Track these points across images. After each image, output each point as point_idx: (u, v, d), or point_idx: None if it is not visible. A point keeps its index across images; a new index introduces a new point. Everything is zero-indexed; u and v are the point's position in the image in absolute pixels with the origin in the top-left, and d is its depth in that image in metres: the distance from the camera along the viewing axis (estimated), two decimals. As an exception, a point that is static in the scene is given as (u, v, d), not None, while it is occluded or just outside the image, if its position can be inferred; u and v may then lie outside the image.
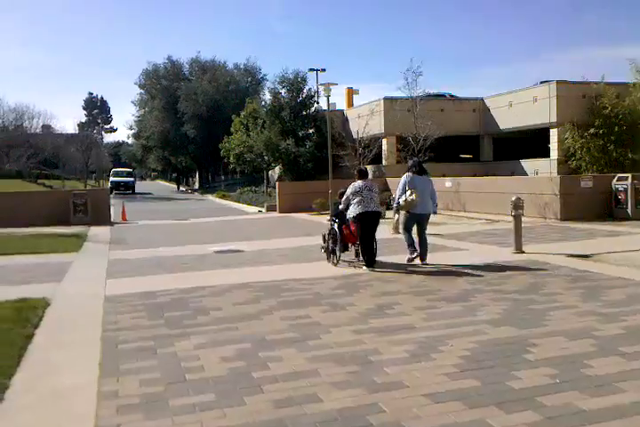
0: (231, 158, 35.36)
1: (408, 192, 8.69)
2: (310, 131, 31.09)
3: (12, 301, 6.62)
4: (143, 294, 7.18)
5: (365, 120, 30.04)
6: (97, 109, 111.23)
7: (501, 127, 28.91)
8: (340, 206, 9.15)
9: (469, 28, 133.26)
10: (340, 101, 65.36)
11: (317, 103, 31.50)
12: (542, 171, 25.35)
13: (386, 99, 28.87)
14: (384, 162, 28.96)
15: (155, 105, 49.48)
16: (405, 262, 8.93)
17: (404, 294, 6.76)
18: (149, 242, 13.97)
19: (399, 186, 9.02)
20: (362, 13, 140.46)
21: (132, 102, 56.42)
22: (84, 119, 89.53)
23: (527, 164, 26.96)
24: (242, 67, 49.40)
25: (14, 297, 6.82)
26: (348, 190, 8.83)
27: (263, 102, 32.13)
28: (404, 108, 29.61)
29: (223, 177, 57.53)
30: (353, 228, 8.92)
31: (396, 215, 10.10)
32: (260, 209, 25.70)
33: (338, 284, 7.56)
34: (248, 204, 29.24)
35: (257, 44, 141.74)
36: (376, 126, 28.92)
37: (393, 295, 6.67)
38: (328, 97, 18.36)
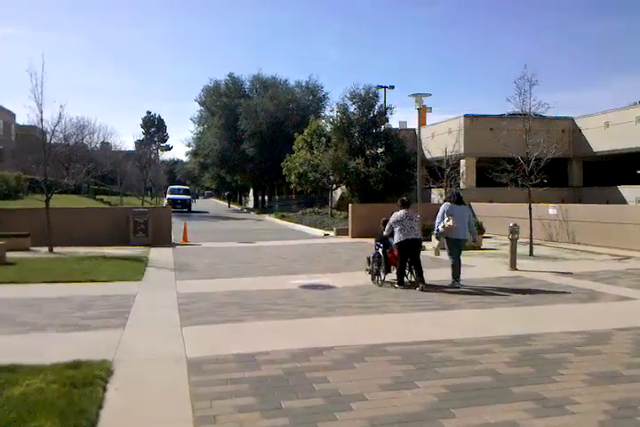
0: (292, 177, 33.66)
1: (446, 219, 9.60)
2: (380, 150, 29.08)
3: (62, 365, 4.73)
4: (238, 357, 5.17)
5: (441, 139, 27.96)
6: (154, 128, 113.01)
7: (595, 150, 26.16)
8: (385, 233, 9.88)
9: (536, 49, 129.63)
10: (410, 120, 63.34)
11: (388, 121, 29.51)
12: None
13: (466, 116, 26.69)
14: (462, 185, 26.66)
15: (214, 122, 48.54)
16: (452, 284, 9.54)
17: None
18: (219, 270, 12.11)
19: (438, 214, 9.89)
20: (423, 37, 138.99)
21: (191, 119, 55.76)
22: (141, 137, 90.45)
23: (627, 190, 24.12)
24: (303, 84, 48.06)
25: (67, 357, 4.94)
26: (391, 219, 9.67)
27: (330, 119, 30.31)
28: (486, 126, 27.47)
29: (277, 197, 56.07)
30: (396, 253, 9.69)
31: (437, 241, 10.59)
32: (326, 232, 23.69)
33: (514, 351, 5.36)
34: (311, 226, 27.28)
35: (313, 64, 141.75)
36: (450, 147, 26.71)
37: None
38: (419, 109, 16.33)
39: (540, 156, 14.96)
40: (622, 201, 23.59)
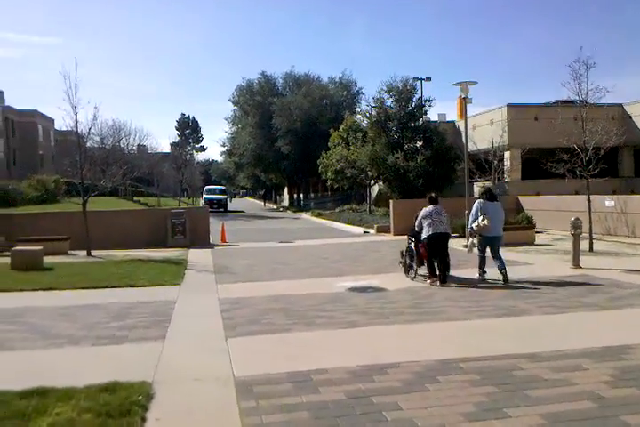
0: (329, 174, 33.03)
1: (480, 218, 9.50)
2: (418, 144, 28.17)
3: (97, 388, 4.20)
4: (292, 376, 4.57)
5: (483, 131, 26.91)
6: (189, 129, 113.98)
7: (647, 137, 24.75)
8: (416, 228, 10.05)
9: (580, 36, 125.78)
10: (448, 112, 61.75)
11: (426, 114, 28.56)
12: None
13: (510, 106, 25.55)
14: (506, 177, 25.55)
15: (248, 121, 48.24)
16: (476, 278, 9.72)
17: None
18: (260, 272, 11.57)
19: (472, 211, 9.85)
20: (449, 29, 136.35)
21: (226, 119, 55.48)
22: (176, 139, 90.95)
23: (685, 179, 22.68)
24: (337, 80, 47.30)
25: (102, 377, 4.43)
26: (420, 214, 9.88)
27: (367, 114, 29.50)
28: (530, 116, 26.31)
29: (312, 195, 55.56)
30: (424, 247, 9.77)
31: (471, 238, 10.31)
32: (365, 230, 22.99)
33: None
34: (350, 223, 26.59)
35: (344, 60, 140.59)
36: (496, 138, 25.63)
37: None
38: (465, 98, 15.48)
39: (598, 144, 13.94)
40: (680, 191, 22.19)
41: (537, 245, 14.76)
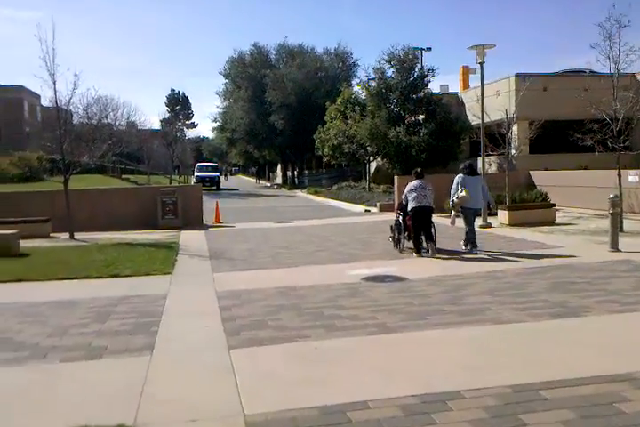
0: (326, 150, 31.62)
1: (460, 190, 9.89)
2: (421, 117, 26.79)
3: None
4: (322, 412, 3.41)
5: (489, 102, 25.51)
6: (179, 105, 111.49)
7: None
8: (403, 202, 10.33)
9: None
10: (451, 84, 59.54)
11: (428, 85, 27.00)
12: None
13: (518, 75, 24.13)
14: (514, 152, 24.29)
15: (240, 95, 46.37)
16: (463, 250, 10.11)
17: None
18: (261, 258, 10.39)
19: (453, 186, 10.15)
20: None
21: (217, 93, 53.36)
22: (166, 115, 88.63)
23: None
24: (332, 52, 45.41)
25: (68, 419, 3.26)
26: (406, 189, 10.13)
27: (366, 85, 27.93)
28: (539, 87, 24.94)
29: (307, 171, 54.10)
30: (409, 220, 10.08)
31: (453, 211, 10.48)
32: (367, 208, 21.83)
33: None
34: (349, 201, 25.40)
35: (338, 33, 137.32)
36: (502, 110, 24.24)
37: None
38: (481, 64, 14.17)
39: (629, 114, 12.75)
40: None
41: (558, 224, 13.64)
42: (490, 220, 13.86)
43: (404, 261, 9.43)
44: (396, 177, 19.75)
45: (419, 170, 10.36)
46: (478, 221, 13.84)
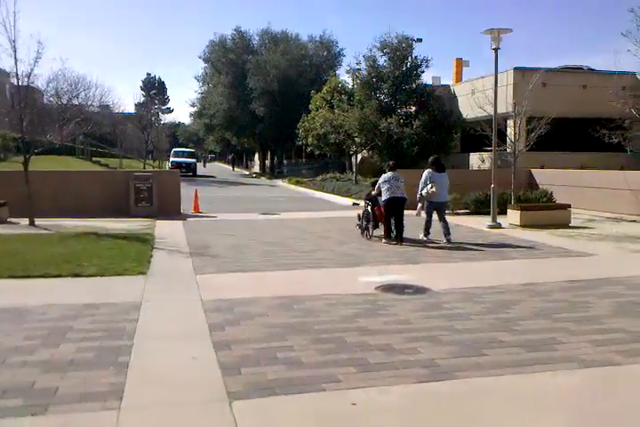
0: (310, 139, 30.15)
1: (429, 185, 10.55)
2: (412, 109, 25.53)
3: None
4: None
5: (484, 97, 24.39)
6: (155, 90, 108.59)
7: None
8: (373, 192, 10.94)
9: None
10: (444, 75, 57.85)
11: (420, 76, 25.67)
12: None
13: (517, 69, 23.03)
14: (508, 148, 23.22)
15: (220, 80, 44.40)
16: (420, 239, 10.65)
17: None
18: (249, 255, 8.98)
19: (422, 180, 10.72)
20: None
21: (195, 78, 51.10)
22: (141, 99, 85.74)
23: None
24: (317, 39, 43.71)
25: None
26: (380, 180, 10.74)
27: (356, 73, 26.54)
28: (538, 82, 23.86)
29: (286, 161, 52.48)
30: (383, 210, 10.56)
31: (420, 203, 10.99)
32: (355, 201, 20.53)
33: None
34: (335, 193, 24.05)
35: (323, 22, 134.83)
36: (499, 104, 23.16)
37: None
38: (496, 50, 12.91)
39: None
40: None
41: (573, 227, 12.50)
42: (499, 219, 12.70)
43: (418, 266, 8.13)
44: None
45: (391, 163, 11.13)
46: (486, 222, 12.72)
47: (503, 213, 13.39)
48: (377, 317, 5.44)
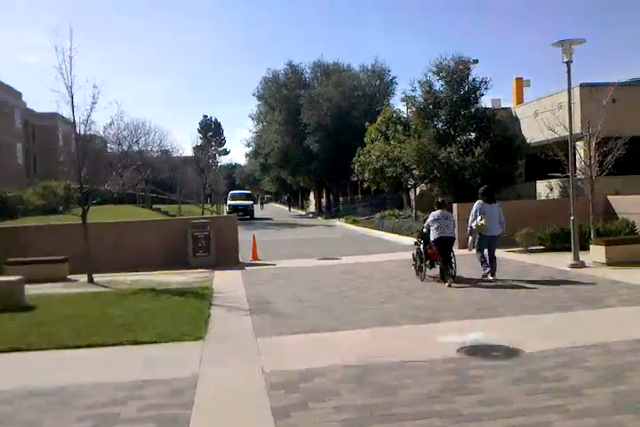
0: (367, 174, 29.39)
1: (478, 218, 10.39)
2: (472, 135, 24.38)
3: None
4: None
5: (548, 118, 23.17)
6: (211, 132, 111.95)
7: None
8: (424, 230, 10.85)
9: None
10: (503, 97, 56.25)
11: (478, 101, 24.49)
12: None
13: (583, 86, 21.67)
14: (579, 174, 21.75)
15: (274, 117, 44.48)
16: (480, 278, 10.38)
17: None
18: (312, 310, 8.31)
19: (472, 212, 10.65)
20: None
21: (250, 116, 51.13)
22: (199, 142, 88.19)
23: None
24: (369, 68, 43.16)
25: None
26: (429, 218, 10.75)
27: (412, 100, 25.41)
28: (608, 98, 22.48)
29: (341, 199, 51.64)
30: (433, 249, 10.47)
31: (470, 237, 10.72)
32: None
33: None
34: (395, 232, 23.08)
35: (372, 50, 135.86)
36: (565, 124, 21.86)
37: None
38: (568, 63, 11.94)
39: None
40: None
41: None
42: (580, 256, 11.52)
43: (503, 320, 7.20)
44: (455, 205, 17.46)
45: (440, 200, 10.88)
46: (567, 260, 11.57)
47: (583, 248, 12.15)
48: (468, 394, 4.59)
